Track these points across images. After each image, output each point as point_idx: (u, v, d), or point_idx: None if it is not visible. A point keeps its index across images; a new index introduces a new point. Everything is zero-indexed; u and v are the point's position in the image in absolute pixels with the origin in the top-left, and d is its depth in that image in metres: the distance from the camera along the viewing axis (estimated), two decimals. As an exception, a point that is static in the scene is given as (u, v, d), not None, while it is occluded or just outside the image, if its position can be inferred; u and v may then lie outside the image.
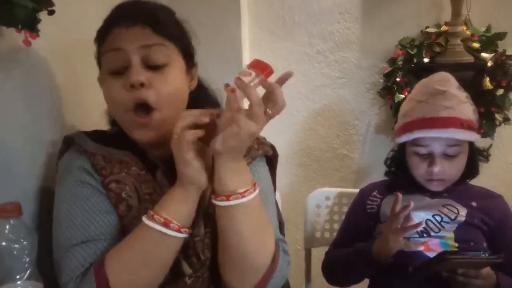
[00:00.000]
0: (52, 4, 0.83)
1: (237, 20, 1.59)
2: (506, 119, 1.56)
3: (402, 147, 1.14)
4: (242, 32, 1.61)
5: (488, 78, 1.52)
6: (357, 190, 1.26)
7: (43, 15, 0.83)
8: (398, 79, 1.58)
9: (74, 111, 1.08)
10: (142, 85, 0.77)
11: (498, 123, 1.55)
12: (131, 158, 0.84)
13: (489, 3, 1.58)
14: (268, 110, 0.72)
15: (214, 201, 0.74)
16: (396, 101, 1.57)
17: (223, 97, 0.79)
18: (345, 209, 1.29)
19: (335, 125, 1.78)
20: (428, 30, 1.59)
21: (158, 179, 0.84)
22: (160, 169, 0.84)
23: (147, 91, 0.77)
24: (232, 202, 0.72)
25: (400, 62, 1.58)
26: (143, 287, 0.75)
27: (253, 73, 0.71)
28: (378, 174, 1.30)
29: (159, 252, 0.74)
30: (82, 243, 0.77)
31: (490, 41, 1.54)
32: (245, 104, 0.72)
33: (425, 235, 1.05)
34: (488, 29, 1.55)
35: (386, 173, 1.22)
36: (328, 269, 1.21)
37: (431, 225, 1.06)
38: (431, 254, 1.00)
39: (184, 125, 0.71)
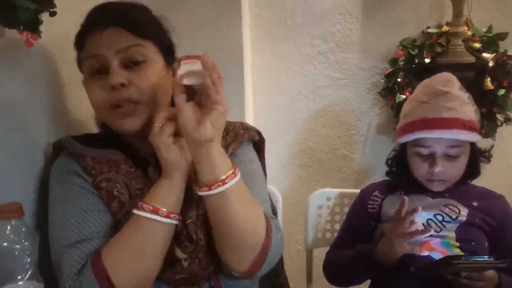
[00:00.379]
0: (53, 6, 0.84)
1: (238, 22, 1.59)
2: (507, 120, 1.55)
3: (403, 147, 1.14)
4: (243, 34, 1.61)
5: (489, 79, 1.52)
6: (358, 191, 1.26)
7: (44, 16, 0.84)
8: (399, 80, 1.58)
9: (75, 111, 1.09)
10: (122, 85, 0.79)
11: (499, 124, 1.55)
12: (120, 156, 0.86)
13: (490, 4, 1.58)
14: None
15: (200, 193, 0.77)
16: (397, 102, 1.57)
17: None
18: (347, 210, 1.29)
19: (336, 125, 1.78)
20: (429, 30, 1.59)
21: (150, 175, 0.85)
22: (152, 165, 0.86)
23: (128, 90, 0.80)
24: (218, 190, 0.75)
25: (401, 63, 1.58)
26: (141, 274, 0.77)
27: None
28: (379, 175, 1.30)
29: (152, 239, 0.76)
30: (77, 243, 0.78)
31: (491, 41, 1.54)
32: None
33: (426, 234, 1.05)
34: (489, 29, 1.55)
35: (387, 173, 1.22)
36: (330, 270, 1.20)
37: (432, 225, 1.06)
38: (433, 254, 1.00)
39: (166, 116, 0.76)
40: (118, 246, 0.76)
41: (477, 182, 1.17)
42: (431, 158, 1.07)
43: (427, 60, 1.56)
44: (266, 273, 1.02)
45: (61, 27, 0.94)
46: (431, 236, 1.04)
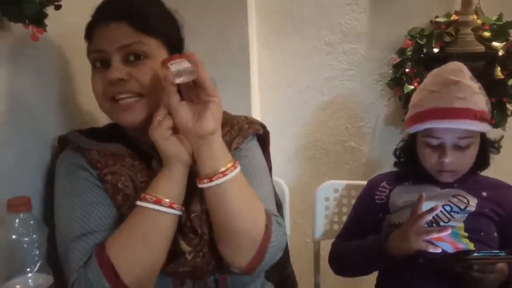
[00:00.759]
0: (59, -1, 0.84)
1: (244, 15, 1.58)
2: (517, 109, 1.53)
3: (412, 137, 1.13)
4: (250, 28, 1.60)
5: (499, 68, 1.50)
6: (365, 182, 1.26)
7: (50, 10, 0.84)
8: (407, 70, 1.56)
9: (83, 105, 1.09)
10: (122, 80, 0.81)
11: (509, 113, 1.53)
12: (124, 150, 0.87)
13: (500, -8, 1.55)
14: None
15: (200, 185, 0.78)
16: (405, 92, 1.55)
17: (217, 83, 0.83)
18: (354, 202, 1.29)
19: (343, 117, 1.76)
20: (438, 19, 1.56)
21: (154, 167, 0.86)
22: (155, 158, 0.86)
23: (128, 83, 0.82)
24: (218, 181, 0.76)
25: (409, 53, 1.56)
26: (146, 265, 0.77)
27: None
28: (388, 166, 1.29)
29: (155, 229, 0.77)
30: (82, 236, 0.79)
31: (501, 30, 1.51)
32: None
33: (434, 225, 1.04)
34: (499, 17, 1.52)
35: (396, 164, 1.21)
36: (336, 261, 1.20)
37: (441, 215, 1.05)
38: (441, 244, 0.99)
39: (167, 112, 0.78)
40: (122, 237, 0.77)
41: (487, 172, 1.16)
42: (441, 149, 1.05)
43: (435, 50, 1.54)
44: (272, 265, 1.03)
45: (66, 20, 0.95)
46: (439, 226, 1.03)
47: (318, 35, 1.70)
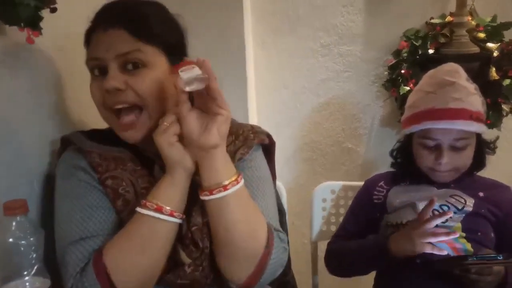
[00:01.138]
0: (54, 2, 0.84)
1: (240, 16, 1.58)
2: (513, 110, 1.54)
3: (408, 138, 1.13)
4: (245, 28, 1.61)
5: (494, 69, 1.51)
6: (362, 183, 1.26)
7: (45, 13, 0.84)
8: (403, 71, 1.56)
9: (79, 108, 1.09)
10: (118, 89, 0.79)
11: (505, 114, 1.54)
12: (126, 154, 0.86)
13: (494, -7, 1.56)
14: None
15: (202, 197, 0.77)
16: (401, 94, 1.56)
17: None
18: (351, 202, 1.29)
19: (339, 118, 1.77)
20: (433, 21, 1.57)
21: (155, 174, 0.85)
22: (157, 164, 0.85)
23: (125, 93, 0.80)
24: (218, 195, 0.75)
25: (405, 54, 1.57)
26: (142, 274, 0.76)
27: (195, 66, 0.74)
28: (384, 167, 1.29)
29: (154, 238, 0.76)
30: (81, 240, 0.78)
31: (496, 31, 1.52)
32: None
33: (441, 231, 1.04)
34: (493, 19, 1.53)
35: (392, 164, 1.21)
36: (334, 260, 1.20)
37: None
38: (438, 245, 1.00)
39: (175, 119, 0.76)
40: (120, 244, 0.76)
41: (483, 173, 1.16)
42: (437, 150, 1.06)
43: (431, 51, 1.54)
44: None
45: (62, 23, 0.94)
46: (436, 226, 1.04)
47: (314, 37, 1.71)
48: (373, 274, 1.18)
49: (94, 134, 0.90)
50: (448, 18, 1.54)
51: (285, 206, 1.32)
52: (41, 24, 0.83)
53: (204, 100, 0.76)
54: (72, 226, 0.79)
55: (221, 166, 0.76)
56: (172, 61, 0.84)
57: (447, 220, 1.04)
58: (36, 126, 0.95)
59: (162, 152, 0.77)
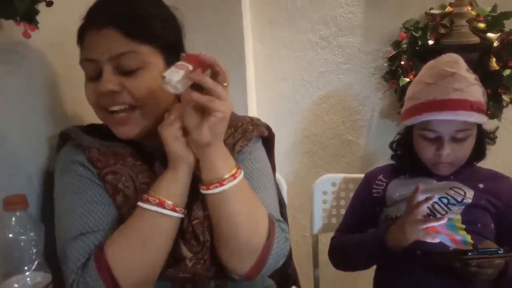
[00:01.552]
0: (50, -5, 0.83)
1: (239, 9, 1.57)
2: (513, 100, 1.53)
3: (408, 130, 1.13)
4: (244, 22, 1.60)
5: (494, 59, 1.50)
6: (363, 175, 1.26)
7: (41, 6, 0.83)
8: (402, 63, 1.56)
9: (77, 104, 1.09)
10: (114, 92, 0.78)
11: (505, 104, 1.53)
12: (126, 149, 0.86)
13: (494, -18, 1.55)
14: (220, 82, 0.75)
15: (202, 191, 0.76)
16: (401, 85, 1.55)
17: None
18: (352, 195, 1.29)
19: (339, 111, 1.76)
20: (432, 11, 1.56)
21: (156, 170, 0.84)
22: (158, 159, 0.85)
23: (121, 95, 0.79)
24: (215, 190, 0.75)
25: (405, 45, 1.56)
26: (144, 269, 0.76)
27: (190, 66, 0.72)
28: (384, 159, 1.29)
29: (156, 233, 0.76)
30: (81, 235, 0.78)
31: (496, 21, 1.51)
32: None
33: (431, 217, 1.04)
34: (494, 8, 1.52)
35: (392, 157, 1.21)
36: (337, 255, 1.20)
37: (438, 208, 1.05)
38: (438, 237, 1.00)
39: (181, 112, 0.75)
40: (121, 239, 0.76)
41: (483, 163, 1.16)
42: (438, 141, 1.05)
43: (430, 42, 1.53)
44: None
45: (59, 18, 0.94)
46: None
47: (313, 29, 1.70)
48: (374, 267, 1.18)
49: (93, 129, 0.90)
50: (448, 9, 1.53)
51: (286, 199, 1.31)
52: (38, 18, 0.82)
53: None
54: (72, 221, 0.79)
55: (218, 161, 0.75)
56: (169, 59, 0.82)
57: (447, 212, 1.04)
58: (35, 122, 0.95)
59: (166, 146, 0.77)
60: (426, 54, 1.47)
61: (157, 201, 0.75)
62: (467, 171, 1.11)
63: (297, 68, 1.74)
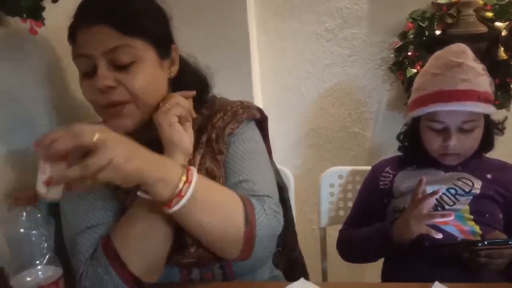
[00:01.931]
0: (55, -9, 0.83)
1: (243, 2, 1.56)
2: (522, 90, 1.52)
3: (415, 121, 1.12)
4: (248, 14, 1.59)
5: (502, 48, 1.48)
6: (369, 168, 1.25)
7: (47, 3, 0.83)
8: (409, 54, 1.55)
9: (82, 98, 1.09)
10: (110, 87, 0.78)
11: (514, 94, 1.52)
12: None
13: (502, -30, 1.52)
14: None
15: (167, 211, 0.72)
16: (407, 76, 1.54)
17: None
18: (359, 187, 1.28)
19: (346, 103, 1.76)
20: (439, 1, 1.54)
21: None
22: (155, 150, 0.85)
23: (117, 91, 0.79)
24: (182, 201, 0.70)
25: (411, 36, 1.55)
26: (150, 255, 0.78)
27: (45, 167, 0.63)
28: (391, 151, 1.28)
29: (156, 220, 0.77)
30: (87, 229, 0.80)
31: (504, 9, 1.49)
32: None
33: (439, 208, 1.04)
34: (501, -3, 1.50)
35: (399, 148, 1.20)
36: (345, 248, 1.20)
37: (446, 199, 1.05)
38: (446, 228, 0.99)
39: (177, 102, 0.79)
40: (124, 228, 0.77)
41: (492, 154, 1.15)
42: (445, 132, 1.04)
43: (437, 32, 1.52)
44: (282, 249, 1.02)
45: (64, 13, 0.94)
46: (444, 210, 1.03)
47: (318, 21, 1.69)
48: (382, 259, 1.18)
49: None
50: (455, -2, 1.52)
51: (292, 192, 1.32)
52: (44, 15, 0.83)
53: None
54: (78, 218, 0.82)
55: (159, 175, 0.70)
56: (160, 51, 0.83)
57: (454, 203, 1.04)
58: (41, 117, 0.95)
59: (161, 132, 0.79)
60: (433, 45, 1.45)
61: None
62: (475, 162, 1.10)
63: (302, 61, 1.74)
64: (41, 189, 0.62)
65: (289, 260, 1.09)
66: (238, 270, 0.86)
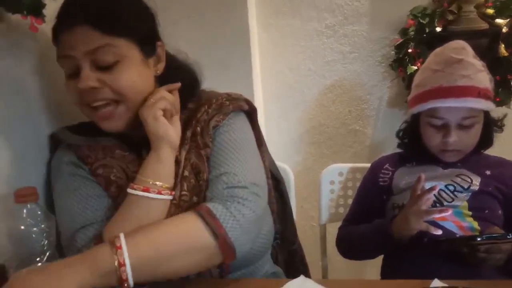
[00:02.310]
0: (55, -12, 0.83)
1: (244, -2, 1.56)
2: (523, 87, 1.51)
3: (415, 117, 1.12)
4: (249, 11, 1.59)
5: (503, 45, 1.48)
6: (369, 165, 1.25)
7: (47, 0, 0.83)
8: (410, 50, 1.54)
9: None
10: (94, 88, 0.78)
11: (514, 91, 1.51)
12: (114, 142, 0.88)
13: (503, -34, 1.52)
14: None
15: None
16: (408, 73, 1.54)
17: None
18: (359, 184, 1.29)
19: (346, 100, 1.76)
20: (440, -3, 1.54)
21: (144, 157, 0.85)
22: (144, 147, 0.86)
23: (102, 91, 0.79)
24: (127, 270, 0.67)
25: (412, 33, 1.54)
26: None
27: None
28: (392, 148, 1.28)
29: (148, 215, 0.77)
30: (81, 228, 0.81)
31: (505, 6, 1.49)
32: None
33: (438, 205, 1.04)
34: (502, -7, 1.49)
35: (399, 145, 1.20)
36: (344, 245, 1.21)
37: (444, 195, 1.05)
38: (445, 223, 1.00)
39: (162, 96, 0.80)
40: (117, 225, 0.78)
41: (492, 152, 1.15)
42: (445, 128, 1.05)
43: (438, 29, 1.51)
44: (281, 242, 1.03)
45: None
46: (443, 206, 1.03)
47: (319, 18, 1.69)
48: (382, 255, 1.18)
49: (80, 128, 0.92)
50: (456, -6, 1.51)
51: (293, 189, 1.32)
52: (44, 12, 0.83)
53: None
54: (71, 218, 0.82)
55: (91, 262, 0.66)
56: (145, 50, 0.83)
57: (453, 199, 1.04)
58: (43, 115, 0.96)
59: (146, 127, 0.80)
60: (434, 41, 1.45)
61: (142, 187, 0.78)
62: (474, 159, 1.10)
63: (303, 58, 1.74)
64: None
65: (289, 253, 1.09)
66: (234, 265, 0.86)
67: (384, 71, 1.69)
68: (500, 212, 1.04)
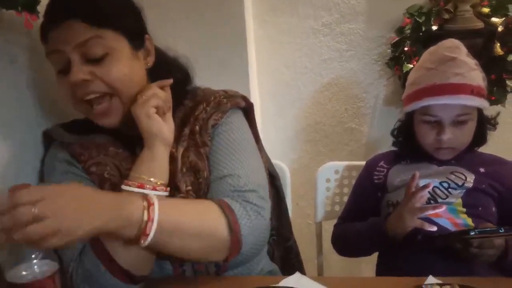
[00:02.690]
0: (50, -15, 0.82)
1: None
2: (518, 85, 1.52)
3: (410, 116, 1.13)
4: (245, 9, 1.59)
5: (498, 44, 1.49)
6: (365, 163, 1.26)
7: (42, -3, 0.83)
8: (406, 49, 1.55)
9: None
10: (85, 81, 0.78)
11: (509, 90, 1.52)
12: (107, 139, 0.87)
13: (499, -35, 1.52)
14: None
15: (143, 245, 0.71)
16: (404, 71, 1.54)
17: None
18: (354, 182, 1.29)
19: (342, 98, 1.76)
20: (436, -4, 1.54)
21: (138, 154, 0.85)
22: (138, 144, 0.86)
23: (93, 84, 0.79)
24: (148, 239, 0.69)
25: (408, 31, 1.55)
26: (138, 248, 0.76)
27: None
28: (388, 146, 1.29)
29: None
30: None
31: (500, 5, 1.49)
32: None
33: (432, 202, 1.05)
34: (498, -7, 1.50)
35: (394, 143, 1.21)
36: (339, 242, 1.21)
37: (438, 192, 1.06)
38: (439, 220, 1.00)
39: (154, 93, 0.80)
40: None
41: (487, 150, 1.16)
42: (439, 126, 1.05)
43: (434, 28, 1.52)
44: (277, 238, 1.04)
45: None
46: (437, 203, 1.04)
47: (315, 16, 1.69)
48: (377, 252, 1.19)
49: (73, 125, 0.92)
50: (452, -7, 1.52)
51: (289, 187, 1.32)
52: (39, 9, 0.82)
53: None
54: None
55: (119, 222, 0.68)
56: (133, 42, 0.83)
57: (447, 196, 1.05)
58: (39, 113, 0.95)
59: (139, 124, 0.80)
60: (430, 40, 1.45)
61: (137, 184, 0.77)
62: (468, 156, 1.11)
63: (299, 56, 1.74)
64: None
65: (284, 249, 1.09)
66: (231, 263, 0.86)
67: (380, 69, 1.69)
68: (493, 209, 1.05)
